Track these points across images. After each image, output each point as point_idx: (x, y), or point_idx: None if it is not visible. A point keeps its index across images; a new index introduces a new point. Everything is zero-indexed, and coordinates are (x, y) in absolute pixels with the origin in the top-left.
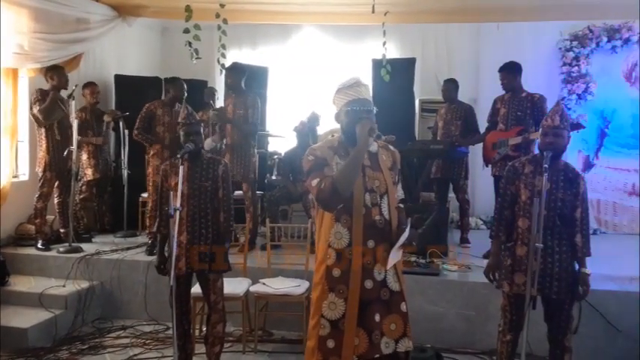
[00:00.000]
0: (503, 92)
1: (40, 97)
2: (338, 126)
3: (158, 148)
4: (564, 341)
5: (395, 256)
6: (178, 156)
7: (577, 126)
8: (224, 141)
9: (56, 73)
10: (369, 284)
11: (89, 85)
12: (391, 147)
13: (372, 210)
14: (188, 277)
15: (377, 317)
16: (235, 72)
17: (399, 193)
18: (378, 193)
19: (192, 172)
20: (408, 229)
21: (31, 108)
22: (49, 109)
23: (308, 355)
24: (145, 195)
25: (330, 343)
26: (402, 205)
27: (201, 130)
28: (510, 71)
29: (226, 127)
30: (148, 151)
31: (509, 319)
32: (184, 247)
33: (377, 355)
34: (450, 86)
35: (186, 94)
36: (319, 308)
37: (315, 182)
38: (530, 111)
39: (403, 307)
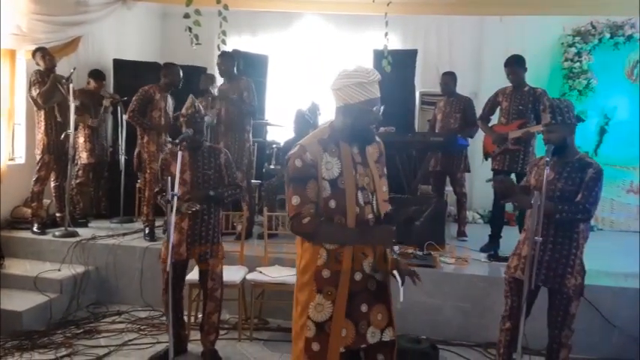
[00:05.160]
0: (505, 85)
1: (40, 78)
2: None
3: (153, 133)
4: (561, 337)
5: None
6: (176, 141)
7: (576, 119)
8: (220, 127)
9: (44, 53)
10: (358, 277)
11: (98, 76)
12: (377, 138)
13: (365, 208)
14: (185, 264)
15: (364, 308)
16: (225, 58)
17: (385, 187)
18: (369, 190)
19: (195, 161)
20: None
21: (29, 90)
22: (49, 91)
23: (295, 357)
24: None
25: (315, 346)
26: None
27: (204, 127)
28: (519, 65)
29: (220, 113)
30: (141, 136)
31: (510, 306)
32: (185, 232)
33: (363, 345)
34: (449, 79)
35: (182, 81)
36: (306, 309)
37: (295, 201)
38: (532, 105)
39: (388, 296)
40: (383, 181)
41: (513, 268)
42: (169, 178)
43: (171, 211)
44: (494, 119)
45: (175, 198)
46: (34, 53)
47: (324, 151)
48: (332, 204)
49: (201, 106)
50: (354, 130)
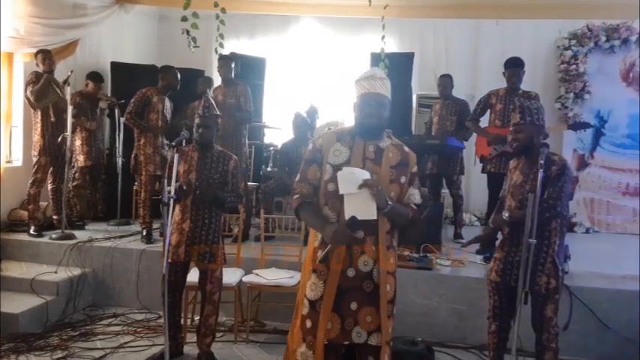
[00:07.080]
0: (501, 88)
1: (35, 79)
2: (334, 119)
3: (150, 136)
4: (542, 340)
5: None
6: (173, 144)
7: (584, 125)
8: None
9: (45, 55)
10: (351, 273)
11: (96, 78)
12: (406, 148)
13: None
14: (186, 267)
15: (353, 306)
16: (224, 62)
17: (414, 197)
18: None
19: (202, 163)
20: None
21: (25, 90)
22: (40, 91)
23: (294, 332)
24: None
25: (308, 323)
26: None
27: (214, 125)
28: (521, 67)
29: None
30: (138, 138)
31: (492, 306)
32: (186, 234)
33: (347, 342)
34: (446, 82)
35: (179, 83)
36: (304, 288)
37: (297, 177)
38: None
39: (385, 303)
40: (392, 187)
41: (489, 270)
42: (164, 180)
43: (167, 213)
44: (485, 121)
45: (172, 200)
46: (36, 54)
47: (337, 141)
48: (331, 187)
49: (213, 103)
50: (357, 124)
